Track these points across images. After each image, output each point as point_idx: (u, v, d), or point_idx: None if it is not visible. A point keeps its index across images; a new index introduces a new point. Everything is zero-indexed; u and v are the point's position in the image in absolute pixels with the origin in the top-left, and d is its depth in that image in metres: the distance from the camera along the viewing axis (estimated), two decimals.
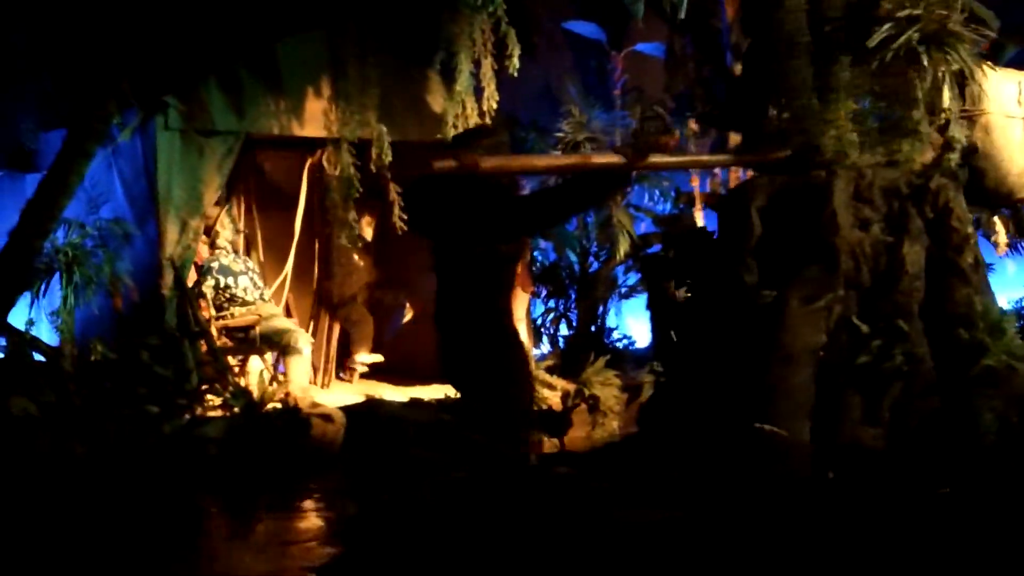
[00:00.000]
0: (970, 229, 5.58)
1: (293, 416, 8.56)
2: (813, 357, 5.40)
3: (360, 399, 9.33)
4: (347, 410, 8.50)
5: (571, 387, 9.03)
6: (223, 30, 9.04)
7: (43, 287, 8.98)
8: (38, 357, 8.75)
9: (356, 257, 10.25)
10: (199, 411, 8.55)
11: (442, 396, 9.13)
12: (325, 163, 10.16)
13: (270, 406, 8.72)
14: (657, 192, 11.28)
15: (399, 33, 9.19)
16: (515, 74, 8.33)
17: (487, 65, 8.40)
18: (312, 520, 7.16)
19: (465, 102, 8.40)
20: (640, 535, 4.78)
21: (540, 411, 7.58)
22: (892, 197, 5.57)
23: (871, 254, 5.53)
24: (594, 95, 11.13)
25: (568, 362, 9.37)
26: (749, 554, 4.72)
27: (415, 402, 8.70)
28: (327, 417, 8.55)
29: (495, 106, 8.51)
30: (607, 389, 8.96)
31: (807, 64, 5.03)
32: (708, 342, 5.75)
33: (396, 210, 8.69)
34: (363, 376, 10.79)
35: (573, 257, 10.81)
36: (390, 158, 8.70)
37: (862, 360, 5.34)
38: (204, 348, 8.97)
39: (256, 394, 8.85)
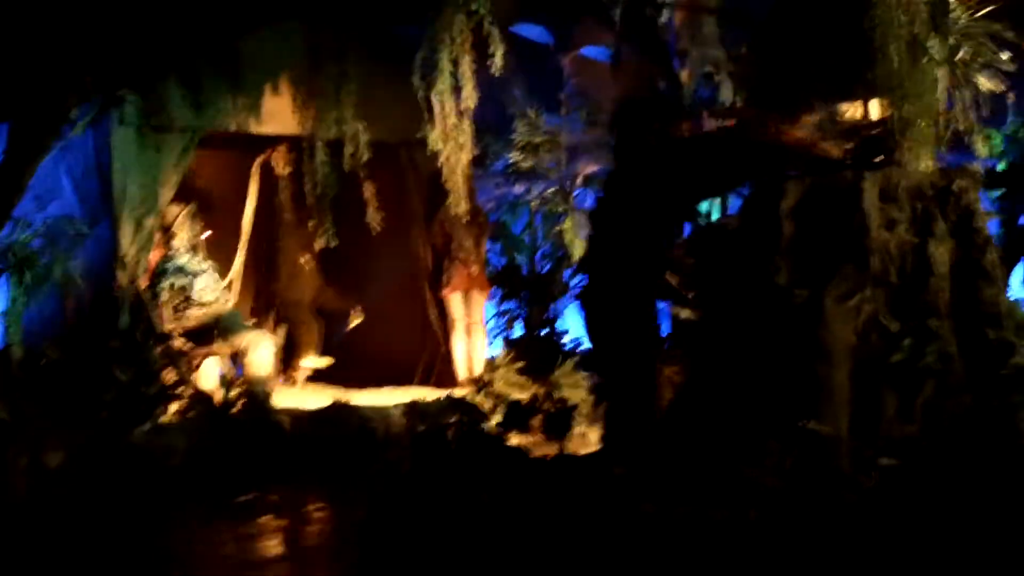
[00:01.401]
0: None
1: (261, 420, 8.34)
2: (850, 355, 5.47)
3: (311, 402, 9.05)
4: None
5: (540, 389, 8.98)
6: (184, 24, 8.71)
7: None
8: None
9: (303, 261, 10.02)
10: (160, 415, 8.25)
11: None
12: (274, 163, 9.95)
13: (233, 409, 8.49)
14: None
15: (373, 31, 9.02)
16: (497, 73, 8.26)
17: (466, 64, 8.30)
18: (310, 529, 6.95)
19: (444, 101, 8.28)
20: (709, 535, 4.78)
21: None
22: (917, 198, 5.69)
23: (898, 254, 5.63)
24: (539, 98, 11.09)
25: (532, 363, 9.27)
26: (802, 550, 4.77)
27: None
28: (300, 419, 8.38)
29: (472, 105, 8.42)
30: (576, 391, 8.92)
31: (905, 59, 5.09)
32: (736, 342, 5.77)
33: (371, 210, 8.55)
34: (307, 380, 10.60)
35: (522, 259, 10.75)
36: (367, 157, 8.53)
37: (896, 358, 5.43)
38: (161, 351, 8.64)
39: (217, 398, 8.61)
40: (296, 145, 9.47)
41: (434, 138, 8.30)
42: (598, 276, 5.87)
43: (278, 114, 9.12)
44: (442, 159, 8.37)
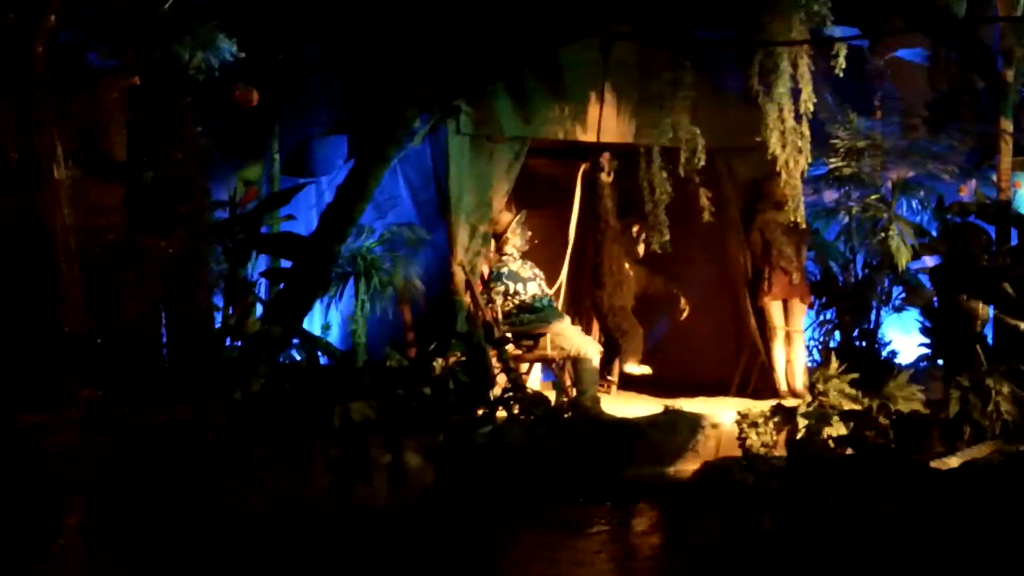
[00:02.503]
0: None
1: (599, 424, 8.40)
2: None
3: (633, 409, 9.03)
4: None
5: (872, 401, 8.68)
6: (512, 36, 8.95)
7: (340, 291, 9.01)
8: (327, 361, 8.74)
9: (627, 266, 10.03)
10: (499, 418, 8.43)
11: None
12: (599, 171, 9.94)
13: (566, 414, 8.58)
14: (915, 202, 10.86)
15: (701, 37, 9.01)
16: (840, 74, 8.08)
17: (804, 65, 8.15)
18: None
19: (782, 105, 8.15)
20: None
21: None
22: None
23: None
24: (852, 102, 10.78)
25: (860, 374, 8.96)
26: None
27: None
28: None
29: (811, 108, 8.25)
30: (911, 404, 8.60)
31: None
32: None
33: (706, 215, 8.55)
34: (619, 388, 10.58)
35: (836, 268, 10.46)
36: (702, 163, 8.49)
37: None
38: (497, 355, 8.84)
39: (553, 402, 8.72)
40: (617, 153, 9.54)
41: (772, 143, 8.17)
42: None
43: (603, 122, 9.21)
44: (780, 164, 8.23)
